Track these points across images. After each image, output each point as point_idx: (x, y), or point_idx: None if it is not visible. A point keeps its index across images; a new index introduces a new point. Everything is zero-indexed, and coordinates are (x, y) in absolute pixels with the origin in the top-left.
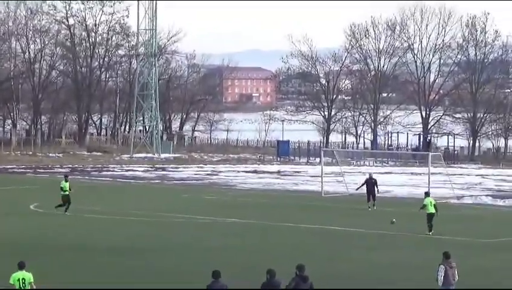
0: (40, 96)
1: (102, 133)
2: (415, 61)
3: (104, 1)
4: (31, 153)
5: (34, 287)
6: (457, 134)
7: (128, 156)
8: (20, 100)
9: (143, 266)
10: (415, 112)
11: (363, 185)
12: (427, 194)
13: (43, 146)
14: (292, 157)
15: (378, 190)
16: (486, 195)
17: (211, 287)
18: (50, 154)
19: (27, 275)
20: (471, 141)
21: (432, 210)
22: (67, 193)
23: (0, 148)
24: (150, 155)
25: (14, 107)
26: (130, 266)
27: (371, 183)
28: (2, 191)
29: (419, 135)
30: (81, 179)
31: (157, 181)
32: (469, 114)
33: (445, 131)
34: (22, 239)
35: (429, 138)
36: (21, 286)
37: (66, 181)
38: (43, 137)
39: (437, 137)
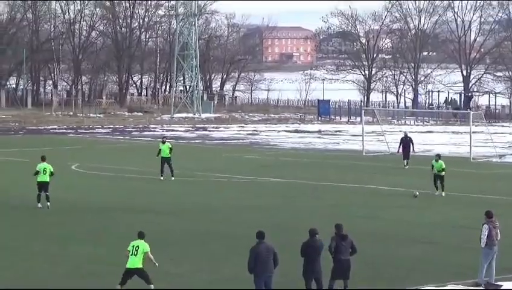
0: (81, 57)
1: (142, 94)
2: (455, 20)
3: None
4: (71, 113)
5: (152, 257)
6: (498, 92)
7: (169, 116)
8: (61, 61)
9: (186, 226)
10: (455, 70)
11: (400, 145)
12: (438, 156)
13: (84, 107)
14: (333, 117)
15: (414, 149)
16: None
17: (257, 249)
18: (91, 115)
19: (143, 245)
20: None
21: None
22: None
23: (41, 109)
24: (190, 115)
25: (55, 68)
26: (170, 225)
27: (406, 141)
28: (44, 152)
29: (460, 93)
30: (121, 140)
31: (198, 141)
32: (510, 72)
33: (486, 90)
34: (64, 199)
35: (470, 95)
36: (133, 252)
37: (164, 143)
38: (84, 98)
39: (478, 96)
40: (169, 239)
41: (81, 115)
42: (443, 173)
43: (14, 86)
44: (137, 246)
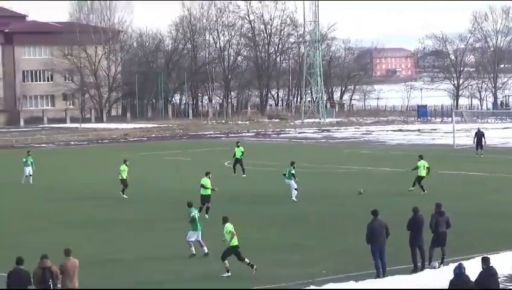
0: (229, 77)
1: (279, 104)
2: None
3: (277, 0)
4: (223, 121)
5: (234, 233)
6: None
7: (300, 121)
8: (214, 80)
9: (314, 211)
10: None
11: (475, 137)
12: (421, 157)
13: (233, 116)
14: (429, 118)
15: (485, 141)
16: None
17: (372, 225)
18: (239, 122)
19: (229, 227)
20: None
21: (423, 173)
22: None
23: (199, 119)
24: (317, 120)
25: (209, 86)
26: (304, 208)
27: (479, 135)
28: (202, 152)
29: None
30: (262, 141)
31: (323, 140)
32: None
33: None
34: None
35: None
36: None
37: (238, 147)
38: (233, 109)
39: None
40: (302, 220)
41: (231, 122)
42: None
43: (178, 101)
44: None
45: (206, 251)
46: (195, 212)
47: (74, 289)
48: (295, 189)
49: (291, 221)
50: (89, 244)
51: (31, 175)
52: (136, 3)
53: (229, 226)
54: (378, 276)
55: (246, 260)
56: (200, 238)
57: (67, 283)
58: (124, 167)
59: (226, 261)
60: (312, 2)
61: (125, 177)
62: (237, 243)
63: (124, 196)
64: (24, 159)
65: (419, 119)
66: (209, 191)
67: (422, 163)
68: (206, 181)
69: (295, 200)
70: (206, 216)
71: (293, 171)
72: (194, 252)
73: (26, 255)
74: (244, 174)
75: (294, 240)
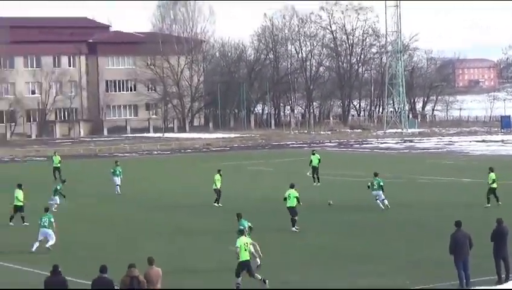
0: (311, 87)
1: (361, 114)
2: None
3: (359, 11)
4: (305, 131)
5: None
6: None
7: (382, 131)
8: (296, 91)
9: (395, 221)
10: None
11: None
12: (491, 169)
13: (315, 126)
14: None
15: None
16: None
17: (455, 235)
18: (321, 132)
19: (248, 240)
20: None
21: (495, 185)
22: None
23: (282, 129)
24: (399, 130)
25: (292, 96)
26: (382, 221)
27: None
28: (284, 162)
29: None
30: (345, 151)
31: (405, 151)
32: None
33: None
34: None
35: None
36: (245, 248)
37: (314, 155)
38: (315, 119)
39: None
40: (384, 229)
41: (313, 132)
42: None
43: (260, 111)
44: (246, 243)
45: (259, 262)
46: (244, 226)
47: None
48: (382, 200)
49: (371, 230)
50: (176, 252)
51: (118, 185)
52: (219, 13)
53: (241, 240)
54: (461, 287)
55: (258, 275)
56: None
57: None
58: (218, 177)
59: (239, 278)
60: (394, 12)
61: (219, 187)
62: (248, 258)
63: (217, 204)
64: (112, 169)
65: (502, 130)
66: (293, 203)
67: (491, 176)
68: (288, 193)
69: (383, 208)
70: (293, 229)
71: (382, 183)
72: (259, 263)
73: (111, 264)
74: (319, 183)
75: (375, 249)
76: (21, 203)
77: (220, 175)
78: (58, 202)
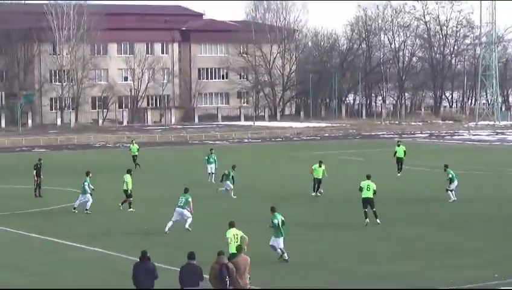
0: (404, 78)
1: (453, 106)
2: None
3: (454, 1)
4: (397, 122)
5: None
6: None
7: (474, 123)
8: (388, 81)
9: (485, 214)
10: None
11: None
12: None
13: (406, 116)
14: None
15: None
16: None
17: None
18: (412, 123)
19: (239, 232)
20: None
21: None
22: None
23: (373, 119)
24: (491, 123)
25: (384, 86)
26: (472, 214)
27: None
28: (375, 152)
29: None
30: (436, 142)
31: (497, 143)
32: None
33: None
34: (387, 189)
35: None
36: (234, 240)
37: (399, 146)
38: (406, 109)
39: None
40: (473, 222)
41: (404, 123)
42: None
43: (351, 101)
44: (236, 235)
45: (287, 257)
46: (277, 219)
47: (244, 287)
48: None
49: (459, 223)
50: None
51: (213, 173)
52: (312, 3)
53: (231, 232)
54: None
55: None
56: (281, 246)
57: (237, 279)
58: (318, 167)
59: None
60: (489, 3)
61: (320, 177)
62: (235, 251)
63: (319, 193)
64: (206, 157)
65: None
66: (371, 194)
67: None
68: (365, 184)
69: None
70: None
71: (450, 175)
72: (287, 258)
73: (199, 252)
74: (399, 173)
75: (464, 242)
76: (128, 188)
77: (320, 166)
78: (231, 187)
